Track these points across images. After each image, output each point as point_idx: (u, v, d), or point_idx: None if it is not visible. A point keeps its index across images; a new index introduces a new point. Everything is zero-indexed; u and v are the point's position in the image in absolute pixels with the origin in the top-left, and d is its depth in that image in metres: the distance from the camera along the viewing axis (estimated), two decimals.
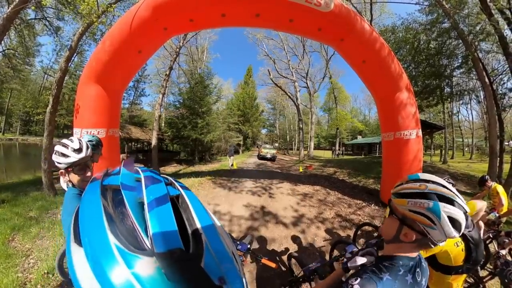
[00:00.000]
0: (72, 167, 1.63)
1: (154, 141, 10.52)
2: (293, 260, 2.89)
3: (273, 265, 1.80)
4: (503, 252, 3.11)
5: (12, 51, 17.37)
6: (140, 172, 0.50)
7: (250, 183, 9.27)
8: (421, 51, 14.49)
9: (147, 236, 0.35)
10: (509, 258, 3.58)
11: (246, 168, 15.30)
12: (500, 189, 4.42)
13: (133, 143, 20.96)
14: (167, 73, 11.96)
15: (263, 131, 62.02)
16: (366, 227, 4.44)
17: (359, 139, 44.72)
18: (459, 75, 15.22)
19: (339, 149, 36.08)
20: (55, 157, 1.62)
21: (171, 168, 14.62)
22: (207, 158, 20.93)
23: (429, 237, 0.83)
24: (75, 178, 1.65)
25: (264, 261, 1.81)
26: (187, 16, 5.86)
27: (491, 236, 3.63)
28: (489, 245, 3.66)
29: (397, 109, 6.55)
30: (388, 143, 6.99)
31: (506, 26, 8.56)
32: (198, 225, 0.41)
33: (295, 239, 4.35)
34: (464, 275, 1.81)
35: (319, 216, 5.63)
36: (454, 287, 1.78)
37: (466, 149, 36.64)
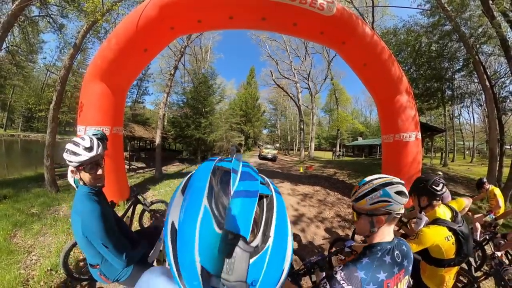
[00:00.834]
0: (83, 166, 1.64)
1: (158, 140, 10.57)
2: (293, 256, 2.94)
3: None
4: (499, 253, 3.17)
5: (15, 48, 17.44)
6: (241, 165, 0.53)
7: None
8: (422, 53, 14.47)
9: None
10: (505, 260, 3.65)
11: None
12: (497, 191, 4.49)
13: (136, 141, 21.03)
14: (172, 72, 12.01)
15: (265, 131, 61.99)
16: None
17: (360, 141, 44.63)
18: (460, 78, 15.22)
19: (339, 150, 36.07)
20: (66, 156, 1.63)
21: (173, 167, 14.66)
22: (210, 157, 20.89)
23: (392, 212, 1.09)
24: (86, 176, 1.67)
25: None
26: (195, 16, 5.91)
27: (488, 237, 3.67)
28: (485, 247, 3.70)
29: (397, 112, 6.61)
30: (387, 145, 7.05)
31: (508, 29, 8.60)
32: (272, 229, 0.42)
33: (295, 237, 4.43)
34: (456, 268, 1.92)
35: (319, 215, 5.71)
36: (446, 279, 1.88)
37: (467, 152, 36.54)
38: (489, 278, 3.11)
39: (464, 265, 2.75)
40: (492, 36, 11.35)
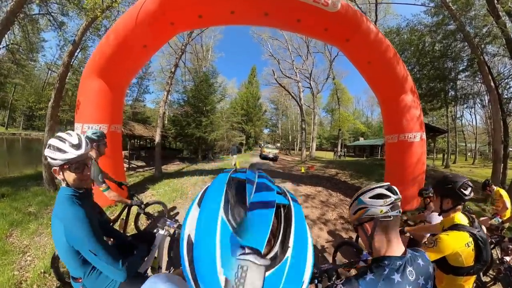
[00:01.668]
0: (69, 164, 1.46)
1: (158, 138, 10.45)
2: None
3: None
4: (508, 258, 3.04)
5: (16, 46, 17.43)
6: (257, 176, 0.53)
7: None
8: (425, 53, 14.36)
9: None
10: None
11: None
12: (503, 192, 4.33)
13: (136, 140, 20.95)
14: (172, 70, 11.89)
15: (265, 131, 61.98)
16: None
17: (361, 141, 44.49)
18: (464, 79, 15.07)
19: (341, 151, 35.93)
20: (49, 152, 1.44)
21: (173, 166, 14.57)
22: (210, 156, 20.89)
23: (374, 217, 1.04)
24: (70, 176, 1.48)
25: None
26: (196, 11, 5.77)
27: (494, 241, 3.52)
28: (492, 251, 3.57)
29: (401, 111, 6.50)
30: (391, 145, 6.93)
31: None
32: (291, 239, 0.41)
33: None
34: (474, 276, 1.79)
35: (322, 217, 5.59)
36: None
37: (469, 154, 36.37)
38: (498, 283, 3.00)
39: None
40: (497, 36, 11.23)
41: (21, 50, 20.39)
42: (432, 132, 17.11)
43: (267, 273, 0.35)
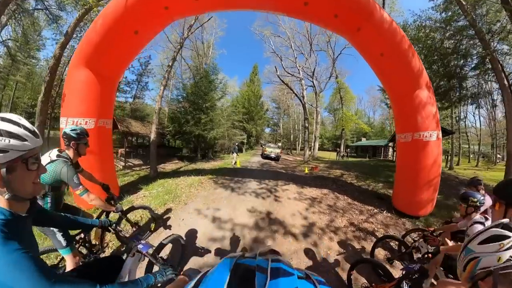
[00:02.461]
0: (26, 158, 0.95)
1: (153, 135, 9.91)
2: None
3: None
4: None
5: (14, 42, 17.12)
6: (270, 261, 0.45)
7: (254, 184, 8.69)
8: (434, 50, 13.85)
9: None
10: None
11: (250, 167, 14.72)
12: None
13: (134, 137, 20.46)
14: (170, 64, 11.38)
15: (267, 130, 61.50)
16: (387, 240, 3.86)
17: (364, 141, 44.00)
18: (474, 77, 14.52)
19: (344, 151, 35.38)
20: None
21: (172, 165, 14.09)
22: (210, 155, 20.34)
23: (492, 268, 0.80)
24: (23, 178, 0.96)
25: None
26: None
27: None
28: None
29: (416, 108, 5.96)
30: (404, 144, 6.38)
31: None
32: None
33: (307, 252, 3.77)
34: None
35: (331, 224, 5.03)
36: None
37: (472, 156, 35.87)
38: None
39: None
40: (511, 32, 10.73)
41: (22, 48, 20.15)
42: None
43: None
